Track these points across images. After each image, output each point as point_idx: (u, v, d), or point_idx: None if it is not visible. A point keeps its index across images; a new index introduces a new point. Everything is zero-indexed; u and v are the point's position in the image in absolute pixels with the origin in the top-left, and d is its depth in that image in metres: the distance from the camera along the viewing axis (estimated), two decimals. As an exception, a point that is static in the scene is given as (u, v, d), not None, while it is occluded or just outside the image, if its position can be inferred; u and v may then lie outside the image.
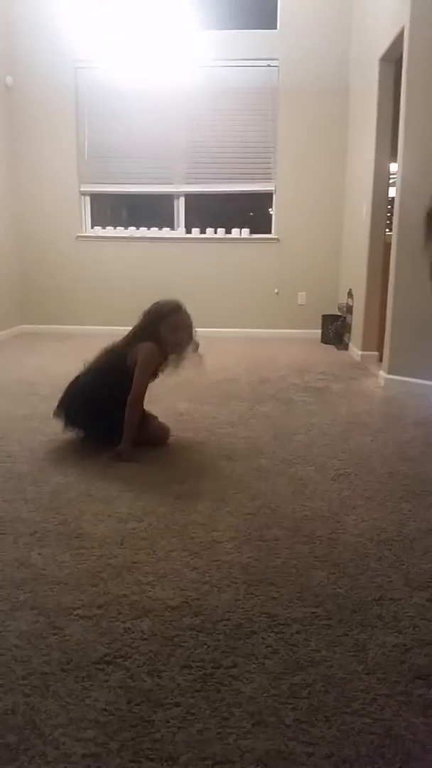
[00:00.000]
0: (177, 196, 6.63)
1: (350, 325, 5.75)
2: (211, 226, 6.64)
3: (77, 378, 3.04)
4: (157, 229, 6.68)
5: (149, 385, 2.98)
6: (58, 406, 3.02)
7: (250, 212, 7.01)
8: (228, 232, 6.63)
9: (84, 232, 6.63)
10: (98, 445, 2.93)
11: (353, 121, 5.97)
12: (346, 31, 6.10)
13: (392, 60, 4.62)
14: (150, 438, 3.01)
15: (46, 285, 6.71)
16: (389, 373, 4.27)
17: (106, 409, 2.88)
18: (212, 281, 6.61)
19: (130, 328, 3.06)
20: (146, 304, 3.04)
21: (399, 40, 4.14)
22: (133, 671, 1.45)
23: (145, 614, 1.67)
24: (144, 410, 3.02)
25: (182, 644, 1.55)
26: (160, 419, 3.38)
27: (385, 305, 4.41)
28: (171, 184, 6.57)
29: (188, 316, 2.98)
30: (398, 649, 1.54)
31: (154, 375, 3.01)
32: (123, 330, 3.55)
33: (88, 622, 1.64)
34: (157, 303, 3.01)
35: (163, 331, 2.90)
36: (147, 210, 6.93)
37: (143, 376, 2.90)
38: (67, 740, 1.25)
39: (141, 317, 3.02)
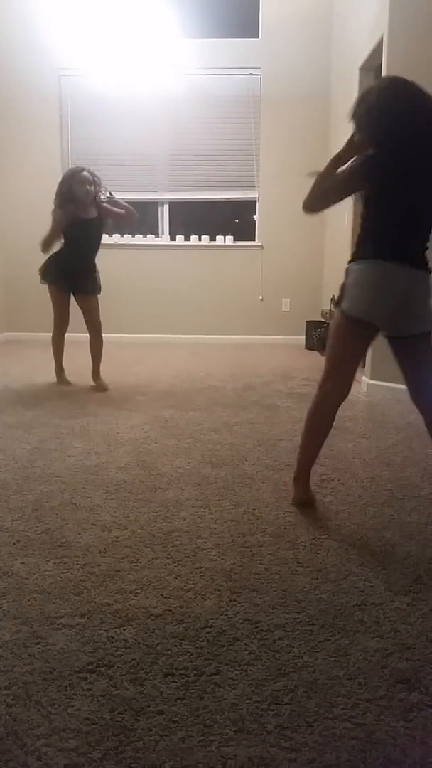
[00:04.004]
0: (161, 203, 6.65)
1: (334, 331, 5.77)
2: (195, 234, 6.66)
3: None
4: (141, 236, 6.68)
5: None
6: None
7: (234, 219, 7.04)
8: (212, 239, 6.66)
9: (68, 240, 6.61)
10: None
11: (334, 128, 6.02)
12: (326, 40, 6.16)
13: (372, 68, 4.67)
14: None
15: (30, 292, 6.64)
16: (372, 378, 4.30)
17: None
18: (197, 288, 6.63)
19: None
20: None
21: (378, 48, 4.19)
22: (115, 680, 1.45)
23: (128, 622, 1.67)
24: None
25: (165, 652, 1.55)
26: (146, 426, 3.41)
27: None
28: (155, 191, 6.59)
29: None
30: (380, 653, 1.56)
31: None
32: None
33: (71, 631, 1.64)
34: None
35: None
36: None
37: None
38: (50, 750, 1.25)
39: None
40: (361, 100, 2.19)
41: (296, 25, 6.20)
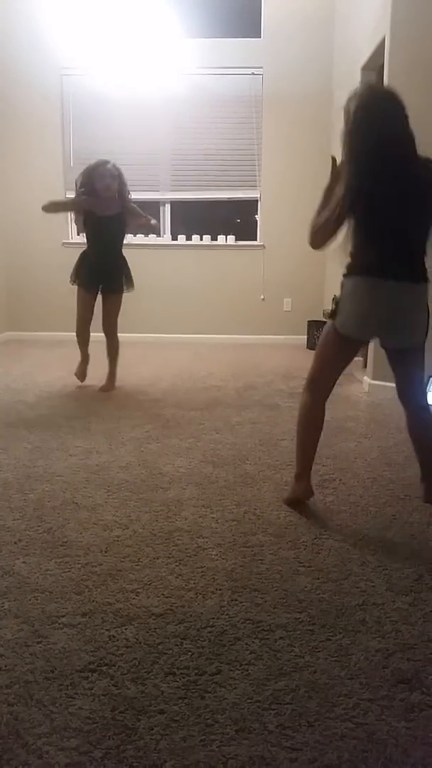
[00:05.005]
0: (163, 203, 6.65)
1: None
2: (197, 233, 6.66)
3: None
4: (143, 235, 6.67)
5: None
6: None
7: (235, 219, 7.03)
8: (214, 239, 6.65)
9: (70, 239, 6.62)
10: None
11: (336, 128, 6.00)
12: (329, 39, 6.15)
13: (374, 68, 4.66)
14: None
15: (33, 292, 6.69)
16: (374, 378, 4.29)
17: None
18: (198, 288, 6.63)
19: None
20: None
21: (380, 48, 4.18)
22: (117, 679, 1.46)
23: (130, 622, 1.68)
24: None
25: (166, 652, 1.56)
26: (147, 426, 3.41)
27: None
28: (157, 191, 6.58)
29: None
30: (381, 653, 1.56)
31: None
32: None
33: (72, 630, 1.64)
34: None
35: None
36: (133, 217, 6.93)
37: None
38: (51, 749, 1.25)
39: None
40: (346, 119, 2.31)
41: (298, 24, 6.20)
